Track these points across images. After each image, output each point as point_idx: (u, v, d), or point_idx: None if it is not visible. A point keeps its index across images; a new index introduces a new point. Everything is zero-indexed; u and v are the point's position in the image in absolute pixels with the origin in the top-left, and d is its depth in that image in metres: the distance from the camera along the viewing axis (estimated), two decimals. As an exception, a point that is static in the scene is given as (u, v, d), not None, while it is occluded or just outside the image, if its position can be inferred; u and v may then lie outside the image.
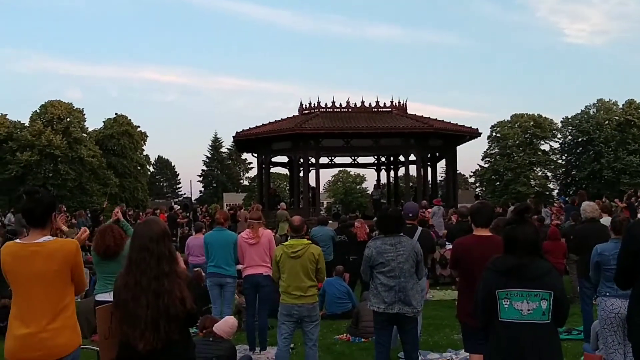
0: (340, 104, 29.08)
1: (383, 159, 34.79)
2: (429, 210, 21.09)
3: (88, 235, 6.42)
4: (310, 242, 7.56)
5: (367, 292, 10.80)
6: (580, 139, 68.02)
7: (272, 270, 7.72)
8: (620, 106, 67.07)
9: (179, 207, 35.17)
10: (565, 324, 4.22)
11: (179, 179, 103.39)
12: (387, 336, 6.65)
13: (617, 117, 66.04)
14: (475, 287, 4.36)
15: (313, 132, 26.53)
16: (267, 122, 29.29)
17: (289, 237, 7.78)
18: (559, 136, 71.78)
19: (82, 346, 4.32)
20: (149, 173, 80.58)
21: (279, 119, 29.68)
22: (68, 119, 62.25)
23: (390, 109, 28.98)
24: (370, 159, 35.10)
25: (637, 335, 4.06)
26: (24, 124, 61.19)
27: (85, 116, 64.87)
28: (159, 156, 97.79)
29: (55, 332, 4.06)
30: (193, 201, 65.47)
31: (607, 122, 65.92)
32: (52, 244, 4.14)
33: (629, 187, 37.33)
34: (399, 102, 29.53)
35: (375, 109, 28.99)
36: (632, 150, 62.76)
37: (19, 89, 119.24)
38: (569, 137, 70.43)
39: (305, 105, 29.34)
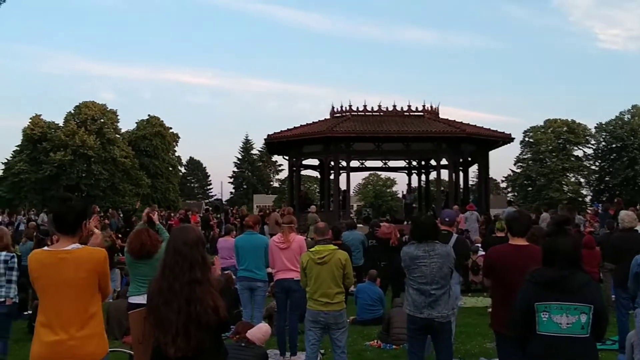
0: (372, 107, 29.01)
1: (414, 163, 34.64)
2: (462, 215, 20.94)
3: (101, 241, 6.39)
4: (336, 247, 7.50)
5: (399, 298, 10.77)
6: (614, 145, 67.13)
7: (300, 277, 7.69)
8: (656, 112, 66.08)
9: (210, 208, 35.35)
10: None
11: (210, 180, 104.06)
12: (421, 345, 6.57)
13: (652, 124, 65.08)
14: (510, 296, 4.29)
15: (344, 136, 26.50)
16: (299, 125, 29.32)
17: (316, 243, 7.73)
18: (592, 142, 70.95)
19: (113, 349, 4.33)
20: (181, 174, 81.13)
21: (310, 121, 29.71)
22: (102, 120, 62.99)
23: (422, 113, 28.84)
24: (401, 163, 34.99)
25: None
26: (58, 124, 61.90)
27: (118, 117, 65.64)
28: (190, 157, 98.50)
29: (83, 340, 4.06)
30: (224, 202, 65.74)
31: (642, 129, 64.98)
32: (81, 252, 4.14)
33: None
34: (431, 107, 29.37)
35: (407, 113, 28.86)
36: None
37: (53, 90, 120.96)
38: (603, 143, 69.54)
39: (337, 109, 29.32)
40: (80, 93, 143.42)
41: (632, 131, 64.95)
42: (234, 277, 11.00)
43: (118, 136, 64.93)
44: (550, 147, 69.13)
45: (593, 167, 71.45)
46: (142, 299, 6.59)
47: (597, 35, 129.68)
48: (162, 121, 69.89)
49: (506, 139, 29.31)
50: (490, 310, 6.54)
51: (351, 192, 37.36)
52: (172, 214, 33.22)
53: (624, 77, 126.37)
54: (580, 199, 67.69)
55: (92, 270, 4.13)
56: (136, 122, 70.00)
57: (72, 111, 63.25)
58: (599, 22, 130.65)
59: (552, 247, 4.06)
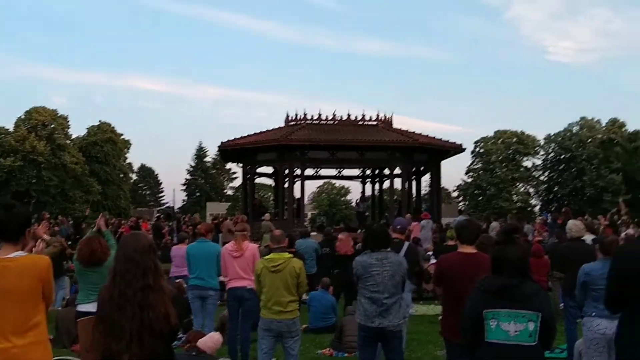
0: (327, 116, 29.10)
1: (368, 172, 34.84)
2: (416, 224, 21.12)
3: (44, 247, 6.27)
4: (291, 255, 7.50)
5: (351, 306, 10.80)
6: (562, 156, 68.52)
7: (255, 284, 7.66)
8: (604, 125, 67.70)
9: (161, 216, 34.96)
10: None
11: (162, 188, 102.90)
12: (372, 353, 6.60)
13: (600, 136, 66.60)
14: (459, 304, 4.34)
15: (299, 144, 26.54)
16: (253, 133, 29.25)
17: (270, 251, 7.72)
18: (541, 153, 72.34)
19: (61, 357, 4.25)
20: (132, 181, 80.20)
21: (265, 129, 29.66)
22: (52, 126, 61.92)
23: (376, 123, 29.06)
24: (356, 172, 35.16)
25: (625, 359, 4.05)
26: (8, 129, 60.70)
27: (69, 123, 64.62)
28: (142, 164, 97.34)
29: (27, 348, 3.97)
30: (176, 210, 65.09)
31: (589, 140, 66.47)
32: (24, 260, 4.05)
33: (611, 204, 37.58)
34: (385, 116, 29.63)
35: (361, 122, 29.06)
36: (614, 168, 63.25)
37: (3, 95, 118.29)
38: (552, 154, 70.93)
39: (292, 117, 29.33)
40: (31, 98, 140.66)
41: (581, 142, 66.41)
42: (185, 285, 10.90)
43: (69, 142, 63.90)
44: (501, 158, 70.28)
45: (542, 178, 72.82)
46: (91, 307, 6.50)
47: (547, 48, 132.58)
48: (114, 127, 69.07)
49: (457, 149, 29.73)
50: (440, 318, 6.61)
51: (305, 201, 37.36)
52: (123, 222, 32.76)
53: (573, 89, 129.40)
54: (529, 209, 68.89)
55: (36, 278, 4.05)
56: (87, 128, 69.06)
57: (23, 116, 61.99)
58: (549, 35, 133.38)
59: (501, 256, 4.11)
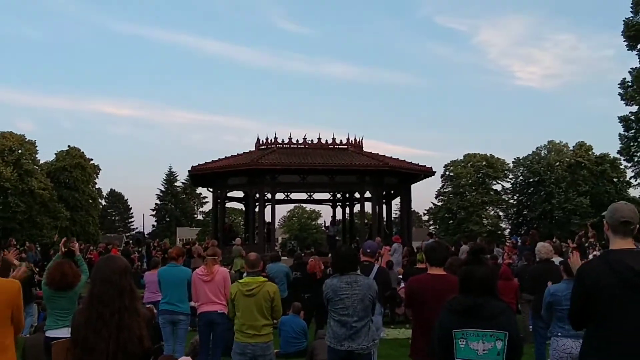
0: (297, 140, 29.20)
1: (339, 196, 34.93)
2: (388, 247, 21.16)
3: (24, 272, 6.22)
4: (266, 279, 7.51)
5: (322, 330, 10.78)
6: (531, 180, 69.27)
7: (228, 308, 7.64)
8: (571, 148, 68.69)
9: (131, 241, 34.64)
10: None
11: (132, 213, 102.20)
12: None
13: (567, 159, 67.53)
14: (429, 326, 4.37)
15: (269, 168, 26.56)
16: (223, 157, 29.22)
17: (245, 274, 7.70)
18: (510, 176, 73.09)
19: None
20: (101, 207, 79.47)
21: (235, 153, 29.66)
22: (19, 151, 61.20)
23: (346, 147, 29.21)
24: (326, 196, 35.24)
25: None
26: (-26, 155, 59.87)
27: (37, 148, 63.96)
28: (111, 189, 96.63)
29: None
30: (146, 235, 64.57)
31: (557, 164, 67.35)
32: None
33: (579, 227, 38.06)
34: (355, 140, 29.79)
35: (332, 146, 29.19)
36: (583, 191, 64.14)
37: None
38: (521, 178, 71.70)
39: (262, 141, 29.37)
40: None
41: (549, 166, 67.25)
42: (155, 310, 10.81)
43: (36, 167, 63.18)
44: (470, 181, 70.88)
45: (511, 201, 73.50)
46: (60, 333, 6.44)
47: (514, 73, 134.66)
48: (83, 152, 68.51)
49: (427, 172, 29.96)
50: (410, 340, 6.64)
51: (276, 225, 37.30)
52: (92, 248, 32.38)
53: (541, 113, 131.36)
54: (499, 232, 69.47)
55: (5, 302, 4.01)
56: (55, 153, 68.40)
57: (-12, 142, 61.27)
58: (516, 60, 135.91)
59: (468, 275, 4.17)
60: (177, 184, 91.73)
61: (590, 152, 67.03)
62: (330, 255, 23.89)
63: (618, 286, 3.69)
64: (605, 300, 3.72)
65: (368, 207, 29.46)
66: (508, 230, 70.78)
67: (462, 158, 73.40)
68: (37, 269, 20.30)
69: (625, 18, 39.79)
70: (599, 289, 3.73)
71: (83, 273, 7.13)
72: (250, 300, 7.09)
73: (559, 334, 6.43)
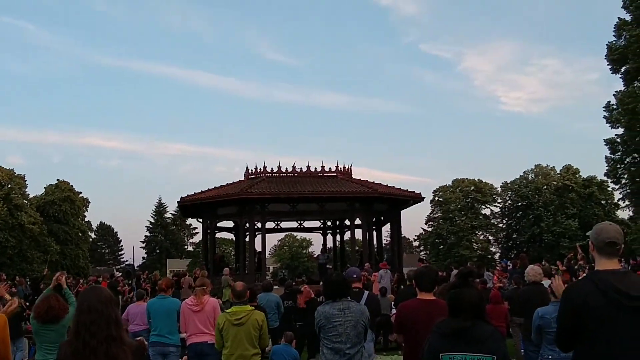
0: (286, 168, 29.27)
1: (329, 223, 34.91)
2: (376, 274, 21.12)
3: (17, 307, 6.18)
4: (253, 308, 7.49)
5: (314, 359, 10.73)
6: (519, 204, 69.59)
7: (215, 339, 7.60)
8: (558, 171, 69.12)
9: (120, 274, 34.40)
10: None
11: (122, 246, 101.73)
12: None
13: (555, 182, 67.93)
14: (419, 350, 4.37)
15: (259, 197, 26.56)
16: (213, 187, 29.22)
17: (232, 304, 7.68)
18: (499, 201, 73.39)
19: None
20: (91, 240, 79.09)
21: (225, 183, 29.66)
22: (9, 185, 61.06)
23: (335, 174, 29.28)
24: (317, 223, 35.19)
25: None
26: (-37, 191, 59.63)
27: (26, 182, 63.81)
28: (101, 222, 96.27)
29: None
30: (136, 268, 64.18)
31: (545, 187, 67.72)
32: None
33: (568, 250, 38.18)
34: (344, 167, 29.88)
35: (321, 174, 29.26)
36: (571, 214, 64.42)
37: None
38: (509, 202, 72.02)
39: (251, 170, 29.41)
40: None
41: (537, 190, 67.61)
42: (146, 342, 10.73)
43: (26, 202, 63.01)
44: (459, 206, 71.07)
45: (500, 225, 73.76)
46: (48, 367, 6.39)
47: (500, 99, 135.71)
48: (72, 186, 68.44)
49: (417, 198, 30.03)
50: (402, 366, 6.63)
51: (267, 254, 37.21)
52: (82, 281, 32.14)
53: (527, 137, 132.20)
54: (489, 256, 69.55)
55: None
56: (45, 187, 68.24)
57: (-22, 177, 61.10)
58: (501, 86, 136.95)
59: (457, 299, 4.18)
60: (167, 215, 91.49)
61: (577, 175, 67.47)
62: (321, 283, 23.86)
63: (605, 307, 3.72)
64: (593, 321, 3.75)
65: (358, 234, 29.53)
66: (498, 254, 70.89)
67: (450, 183, 73.75)
68: (28, 304, 20.13)
69: (609, 42, 40.30)
70: (586, 310, 3.75)
71: (71, 305, 7.09)
72: (239, 329, 7.07)
73: (550, 357, 6.44)
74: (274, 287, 19.09)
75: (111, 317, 3.79)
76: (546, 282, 10.13)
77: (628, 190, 45.05)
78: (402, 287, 19.63)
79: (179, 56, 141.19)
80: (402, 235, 35.74)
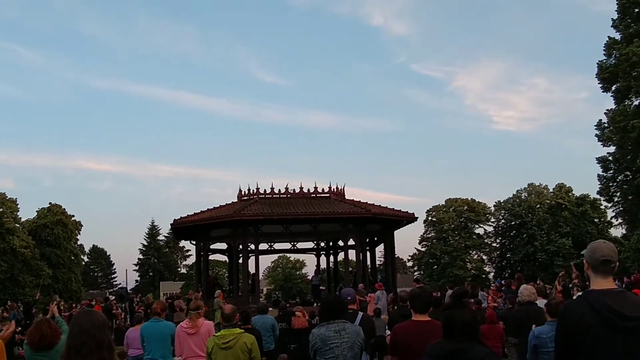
0: (279, 190, 29.27)
1: (322, 244, 34.86)
2: (372, 295, 21.10)
3: (13, 331, 6.13)
4: (242, 331, 7.45)
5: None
6: (513, 223, 69.73)
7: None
8: (551, 190, 69.37)
9: (113, 297, 34.24)
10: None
11: (114, 269, 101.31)
12: None
13: (548, 201, 68.15)
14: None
15: (252, 218, 26.53)
16: (206, 209, 29.17)
17: (221, 327, 7.65)
18: (492, 220, 73.50)
19: None
20: (83, 263, 78.76)
21: (218, 205, 29.63)
22: (0, 209, 60.82)
23: (328, 195, 29.30)
24: (310, 244, 35.15)
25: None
26: (-47, 215, 59.39)
27: (18, 206, 63.60)
28: (93, 245, 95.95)
29: None
30: (129, 291, 63.97)
31: (538, 206, 67.93)
32: None
33: (562, 268, 38.20)
34: (337, 188, 29.91)
35: (314, 195, 29.26)
36: (564, 232, 64.58)
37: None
38: (502, 221, 72.13)
39: (244, 192, 29.40)
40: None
41: (530, 208, 67.77)
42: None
43: (18, 225, 62.76)
44: (453, 226, 71.19)
45: (494, 244, 73.81)
46: (41, 393, 6.33)
47: (491, 118, 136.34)
48: (64, 209, 68.28)
49: (410, 218, 30.05)
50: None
51: (260, 276, 37.09)
52: (75, 305, 32.01)
53: (520, 156, 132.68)
54: (483, 276, 69.54)
55: None
56: (37, 211, 68.05)
57: (-31, 201, 60.92)
58: (492, 105, 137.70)
59: (451, 320, 4.18)
60: (160, 237, 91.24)
61: (570, 194, 67.75)
62: (315, 304, 23.80)
63: (600, 326, 3.72)
64: (589, 341, 3.75)
65: (352, 254, 29.43)
66: (492, 274, 70.90)
67: (444, 203, 73.86)
68: (20, 328, 19.99)
69: (599, 61, 40.68)
70: (582, 329, 3.75)
71: (64, 332, 7.05)
72: (227, 353, 7.02)
73: (545, 376, 6.42)
74: (269, 309, 19.06)
75: (104, 341, 3.78)
76: (540, 302, 10.13)
77: (621, 208, 45.25)
78: (395, 307, 19.62)
79: (168, 78, 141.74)
80: (396, 256, 35.73)
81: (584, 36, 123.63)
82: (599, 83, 41.04)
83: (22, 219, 65.41)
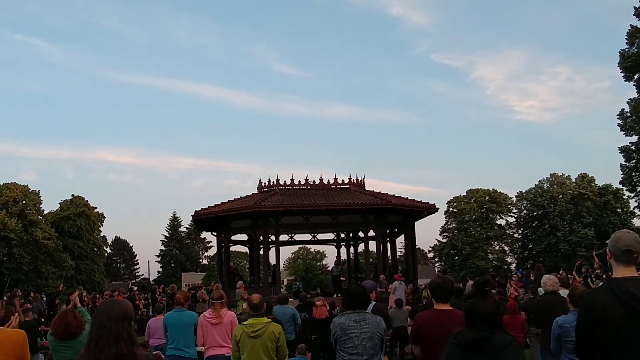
0: (299, 181, 29.31)
1: (342, 235, 34.89)
2: (391, 285, 21.11)
3: (19, 323, 6.19)
4: (270, 320, 7.49)
5: (330, 371, 10.69)
6: (535, 213, 69.23)
7: (232, 351, 7.59)
8: (574, 180, 68.76)
9: (136, 288, 34.50)
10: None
11: (137, 260, 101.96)
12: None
13: (570, 191, 67.58)
14: (436, 361, 4.35)
15: (272, 210, 26.61)
16: (227, 201, 29.29)
17: (249, 316, 7.68)
18: (514, 210, 73.04)
19: None
20: (106, 254, 79.38)
21: (238, 197, 29.74)
22: (23, 202, 61.53)
23: (348, 186, 29.29)
24: (330, 236, 35.18)
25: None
26: (-23, 207, 60.10)
27: (41, 198, 64.28)
28: (116, 237, 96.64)
29: None
30: (151, 282, 64.50)
31: (561, 196, 67.38)
32: None
33: (585, 259, 37.92)
34: (357, 179, 29.88)
35: (334, 186, 29.27)
36: (587, 223, 64.04)
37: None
38: (524, 212, 71.66)
39: (265, 184, 29.49)
40: (0, 175, 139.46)
41: (552, 199, 67.25)
42: (162, 356, 10.73)
43: (41, 218, 63.41)
44: (474, 217, 70.84)
45: (516, 235, 73.38)
46: (66, 382, 6.41)
47: (512, 108, 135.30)
48: (87, 201, 68.76)
49: (430, 209, 29.98)
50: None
51: (281, 267, 37.23)
52: (98, 296, 32.29)
53: (541, 146, 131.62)
54: (505, 267, 69.16)
55: (11, 353, 4.01)
56: (59, 203, 68.63)
57: (-7, 194, 61.63)
58: (513, 94, 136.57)
59: (473, 309, 4.17)
60: (182, 229, 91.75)
61: (593, 184, 67.13)
62: (335, 295, 23.82)
63: (623, 315, 3.70)
64: (612, 329, 3.72)
65: (372, 245, 29.47)
66: (514, 265, 70.51)
67: (465, 194, 73.51)
68: (43, 319, 20.22)
69: (621, 49, 40.22)
70: (605, 318, 3.73)
71: (87, 322, 7.12)
72: (255, 341, 7.06)
73: (568, 366, 6.39)
74: (290, 299, 19.12)
75: (121, 334, 3.79)
76: (563, 292, 10.07)
77: (644, 198, 44.81)
78: (416, 298, 19.59)
79: (188, 71, 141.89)
80: (417, 247, 35.64)
81: (606, 25, 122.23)
82: (621, 72, 40.58)
83: (45, 211, 66.14)
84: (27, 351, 4.09)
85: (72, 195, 68.88)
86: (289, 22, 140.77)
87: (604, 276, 18.35)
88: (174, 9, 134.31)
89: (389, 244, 31.63)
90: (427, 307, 6.71)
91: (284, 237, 31.08)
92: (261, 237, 28.39)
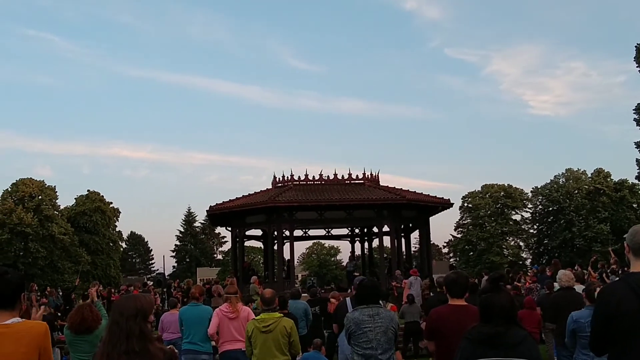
0: (314, 176, 29.32)
1: (357, 231, 34.87)
2: (405, 281, 21.09)
3: (42, 315, 6.23)
4: (282, 315, 7.51)
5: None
6: (550, 208, 68.88)
7: (245, 346, 7.62)
8: (589, 175, 68.35)
9: (152, 283, 34.66)
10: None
11: (152, 255, 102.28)
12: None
13: (586, 186, 67.16)
14: (451, 356, 4.34)
15: (287, 205, 26.62)
16: (241, 196, 29.35)
17: (262, 311, 7.70)
18: (529, 206, 72.70)
19: None
20: (122, 249, 79.77)
21: (253, 192, 29.78)
22: (39, 197, 61.93)
23: (362, 181, 29.26)
24: (344, 231, 35.18)
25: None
26: (-6, 202, 60.56)
27: (57, 193, 64.63)
28: (131, 232, 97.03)
29: None
30: (166, 277, 64.77)
31: (576, 191, 66.99)
32: (20, 326, 4.01)
33: (601, 254, 37.70)
34: (371, 174, 29.85)
35: (348, 181, 29.26)
36: (603, 218, 63.64)
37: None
38: (540, 207, 71.30)
39: (279, 179, 29.52)
40: (16, 170, 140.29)
41: (568, 194, 66.88)
42: (176, 351, 10.78)
43: (57, 213, 63.77)
44: (489, 212, 70.56)
45: (531, 231, 73.02)
46: (82, 376, 6.46)
47: (527, 102, 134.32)
48: (102, 196, 69.05)
49: (445, 204, 29.88)
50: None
51: (295, 262, 37.27)
52: (113, 291, 32.48)
53: (557, 141, 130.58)
54: (520, 262, 68.86)
55: (33, 345, 4.02)
56: (75, 198, 69.03)
57: (9, 189, 62.03)
58: (528, 89, 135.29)
59: (488, 304, 4.16)
60: (196, 224, 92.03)
61: (608, 179, 66.68)
62: (349, 291, 23.81)
63: (639, 309, 3.67)
64: (628, 324, 3.70)
65: (387, 241, 29.39)
66: (529, 260, 70.21)
67: (480, 189, 73.20)
68: (59, 314, 20.37)
69: (637, 44, 39.94)
70: (621, 313, 3.71)
71: (103, 317, 7.18)
72: (267, 336, 7.09)
73: (584, 361, 6.37)
74: (303, 294, 19.14)
75: (132, 330, 3.81)
76: (578, 287, 10.03)
77: (660, 194, 44.53)
78: (431, 294, 19.55)
79: (202, 66, 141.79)
80: (431, 242, 35.57)
81: (621, 19, 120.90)
82: (637, 66, 40.34)
83: (61, 206, 66.47)
84: (49, 343, 4.10)
85: (88, 190, 69.27)
86: (302, 16, 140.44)
87: (620, 272, 18.22)
88: (187, 4, 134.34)
89: (403, 240, 31.57)
90: (443, 302, 6.69)
91: (298, 233, 31.11)
92: (275, 232, 28.43)
